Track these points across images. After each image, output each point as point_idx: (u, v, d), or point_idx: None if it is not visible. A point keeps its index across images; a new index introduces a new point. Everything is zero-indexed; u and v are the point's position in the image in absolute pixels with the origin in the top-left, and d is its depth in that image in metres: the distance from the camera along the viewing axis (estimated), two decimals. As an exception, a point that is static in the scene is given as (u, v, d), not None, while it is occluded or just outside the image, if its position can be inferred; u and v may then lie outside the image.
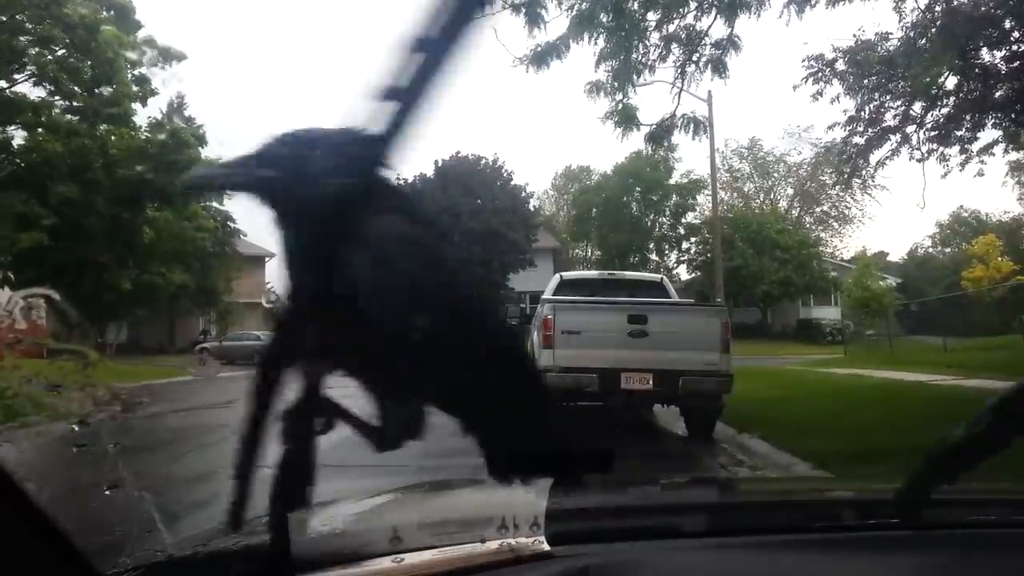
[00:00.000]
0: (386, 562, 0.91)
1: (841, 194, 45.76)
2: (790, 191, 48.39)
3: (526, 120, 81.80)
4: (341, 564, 0.90)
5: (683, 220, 44.56)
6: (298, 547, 0.89)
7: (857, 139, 10.68)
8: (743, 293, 34.91)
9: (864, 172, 11.67)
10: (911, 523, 1.07)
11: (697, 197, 44.52)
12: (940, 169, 10.63)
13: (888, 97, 10.10)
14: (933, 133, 10.07)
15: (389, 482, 1.21)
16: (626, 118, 9.36)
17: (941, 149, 10.29)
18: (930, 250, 53.27)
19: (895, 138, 10.32)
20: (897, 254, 53.27)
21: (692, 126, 9.77)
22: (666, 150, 42.58)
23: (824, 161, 45.01)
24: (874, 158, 10.80)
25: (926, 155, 10.27)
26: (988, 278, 29.79)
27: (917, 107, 9.90)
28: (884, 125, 10.27)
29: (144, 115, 24.42)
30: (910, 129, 10.21)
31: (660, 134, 9.85)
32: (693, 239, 43.37)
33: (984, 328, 21.56)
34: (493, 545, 0.95)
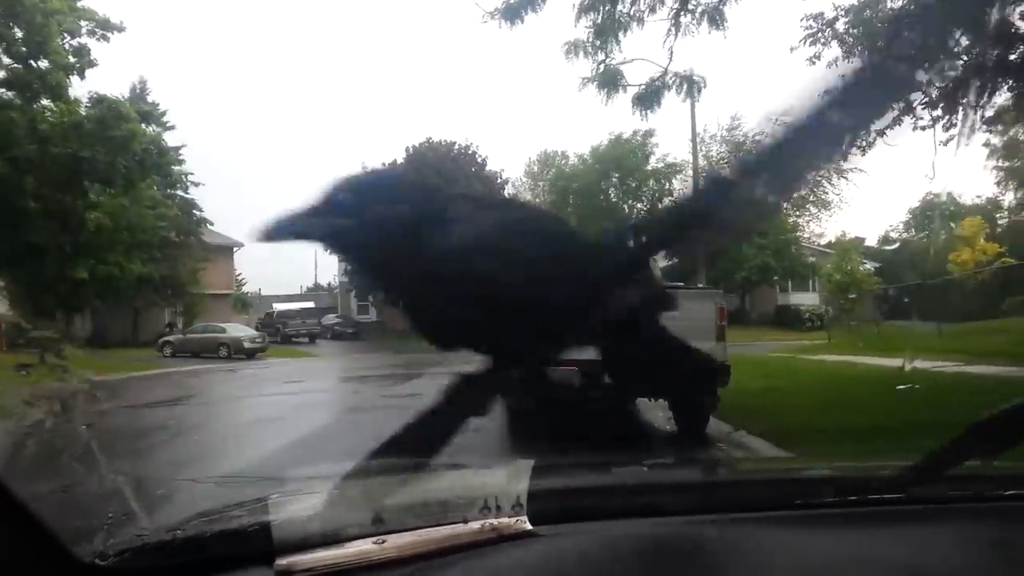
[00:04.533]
0: (368, 544, 0.92)
1: (818, 179, 46.21)
2: (767, 176, 48.67)
3: (497, 107, 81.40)
4: (322, 546, 0.91)
5: (661, 206, 44.77)
6: (278, 530, 0.90)
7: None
8: (721, 279, 35.23)
9: (864, 142, 11.29)
10: (902, 498, 1.10)
11: (674, 182, 44.78)
12: (943, 136, 9.97)
13: (889, 62, 9.79)
14: (940, 100, 9.46)
15: (370, 466, 1.22)
16: (609, 80, 8.69)
17: (948, 116, 9.64)
18: (905, 235, 53.98)
19: (897, 105, 10.02)
20: (872, 240, 53.89)
21: (685, 86, 9.03)
22: (644, 136, 42.68)
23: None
24: (874, 127, 10.55)
25: (934, 120, 9.69)
26: (974, 261, 30.18)
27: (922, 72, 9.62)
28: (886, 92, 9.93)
29: (85, 88, 23.07)
30: (914, 96, 9.89)
31: (649, 96, 9.00)
32: (671, 225, 43.54)
33: (971, 312, 21.43)
34: (475, 525, 0.97)
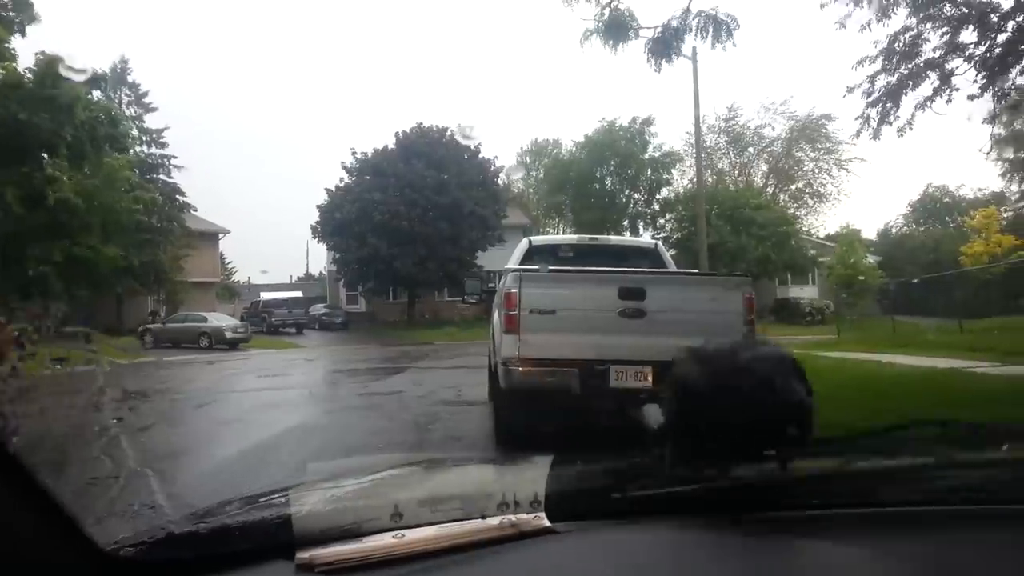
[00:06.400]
0: (387, 538, 0.94)
1: (817, 171, 46.36)
2: (764, 167, 48.88)
3: (488, 97, 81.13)
4: (342, 540, 0.93)
5: (658, 196, 44.83)
6: (298, 523, 0.93)
7: (888, 77, 9.37)
8: (721, 272, 35.24)
9: (894, 117, 9.98)
10: (926, 500, 1.12)
11: (672, 172, 44.84)
12: (984, 111, 9.28)
13: (929, 25, 8.83)
14: (989, 64, 8.74)
15: (388, 461, 1.24)
16: (616, 26, 7.60)
17: (998, 85, 8.91)
18: (905, 229, 54.19)
19: (934, 75, 9.00)
20: (869, 233, 54.06)
21: (712, 28, 7.74)
22: (642, 124, 42.43)
23: (800, 136, 45.72)
24: (907, 101, 9.43)
25: (983, 88, 8.94)
26: (988, 253, 29.74)
27: (967, 35, 8.63)
28: (925, 59, 8.98)
29: (31, 49, 22.27)
30: (955, 63, 8.94)
31: (666, 43, 7.79)
32: (669, 215, 43.61)
33: (986, 308, 20.87)
34: (494, 521, 0.99)
